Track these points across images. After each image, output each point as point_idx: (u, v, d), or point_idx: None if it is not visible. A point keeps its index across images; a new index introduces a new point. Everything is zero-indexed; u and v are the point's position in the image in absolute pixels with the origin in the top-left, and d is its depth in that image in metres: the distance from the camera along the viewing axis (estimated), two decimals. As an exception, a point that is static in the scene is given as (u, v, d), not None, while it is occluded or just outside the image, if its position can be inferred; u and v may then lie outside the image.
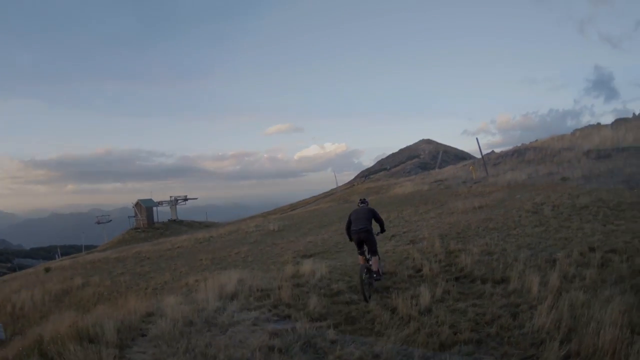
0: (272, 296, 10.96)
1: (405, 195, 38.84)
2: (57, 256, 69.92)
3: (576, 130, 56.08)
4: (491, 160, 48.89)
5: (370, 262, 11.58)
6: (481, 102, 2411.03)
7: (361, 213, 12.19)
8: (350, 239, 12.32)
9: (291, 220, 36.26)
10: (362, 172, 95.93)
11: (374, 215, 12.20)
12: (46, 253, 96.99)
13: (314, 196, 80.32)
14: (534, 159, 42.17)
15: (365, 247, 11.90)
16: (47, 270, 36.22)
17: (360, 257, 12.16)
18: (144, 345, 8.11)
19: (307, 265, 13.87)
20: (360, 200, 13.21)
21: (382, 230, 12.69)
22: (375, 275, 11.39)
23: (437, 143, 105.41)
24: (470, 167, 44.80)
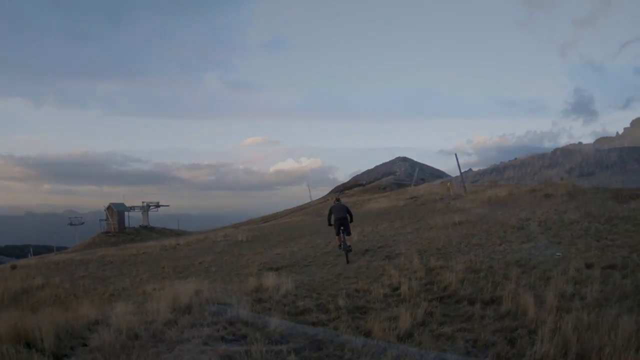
0: (229, 311, 9.60)
1: (380, 210, 38.03)
2: (29, 255, 69.08)
3: (557, 149, 55.84)
4: (469, 178, 48.28)
5: (346, 240, 17.64)
6: (458, 122, 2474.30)
7: (340, 207, 18.76)
8: (330, 225, 18.74)
9: (261, 232, 35.29)
10: (337, 187, 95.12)
11: (347, 209, 18.79)
12: (19, 251, 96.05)
13: (287, 209, 79.49)
14: (514, 177, 41.70)
15: (342, 230, 17.87)
16: (13, 267, 35.33)
17: (337, 237, 18.26)
18: (82, 356, 7.20)
19: (271, 279, 12.54)
20: (337, 199, 20.25)
21: (352, 220, 18.74)
22: (349, 247, 17.55)
23: (413, 161, 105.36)
24: (448, 184, 44.08)
